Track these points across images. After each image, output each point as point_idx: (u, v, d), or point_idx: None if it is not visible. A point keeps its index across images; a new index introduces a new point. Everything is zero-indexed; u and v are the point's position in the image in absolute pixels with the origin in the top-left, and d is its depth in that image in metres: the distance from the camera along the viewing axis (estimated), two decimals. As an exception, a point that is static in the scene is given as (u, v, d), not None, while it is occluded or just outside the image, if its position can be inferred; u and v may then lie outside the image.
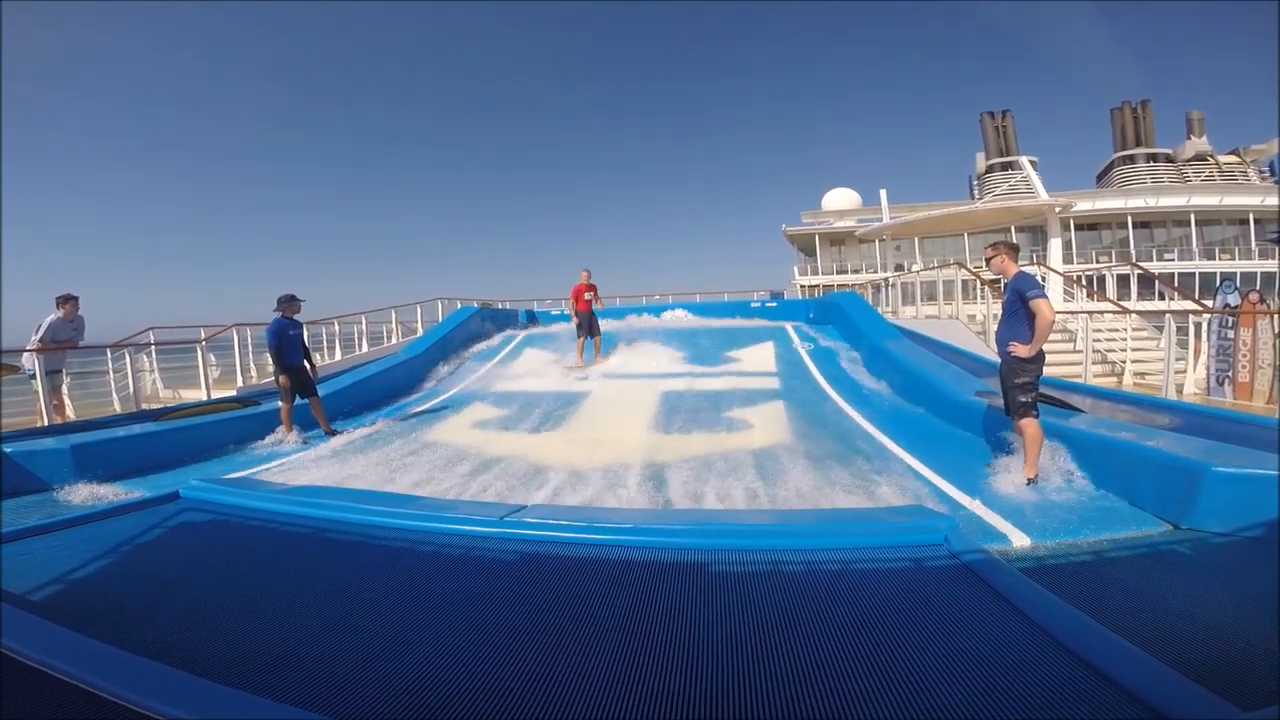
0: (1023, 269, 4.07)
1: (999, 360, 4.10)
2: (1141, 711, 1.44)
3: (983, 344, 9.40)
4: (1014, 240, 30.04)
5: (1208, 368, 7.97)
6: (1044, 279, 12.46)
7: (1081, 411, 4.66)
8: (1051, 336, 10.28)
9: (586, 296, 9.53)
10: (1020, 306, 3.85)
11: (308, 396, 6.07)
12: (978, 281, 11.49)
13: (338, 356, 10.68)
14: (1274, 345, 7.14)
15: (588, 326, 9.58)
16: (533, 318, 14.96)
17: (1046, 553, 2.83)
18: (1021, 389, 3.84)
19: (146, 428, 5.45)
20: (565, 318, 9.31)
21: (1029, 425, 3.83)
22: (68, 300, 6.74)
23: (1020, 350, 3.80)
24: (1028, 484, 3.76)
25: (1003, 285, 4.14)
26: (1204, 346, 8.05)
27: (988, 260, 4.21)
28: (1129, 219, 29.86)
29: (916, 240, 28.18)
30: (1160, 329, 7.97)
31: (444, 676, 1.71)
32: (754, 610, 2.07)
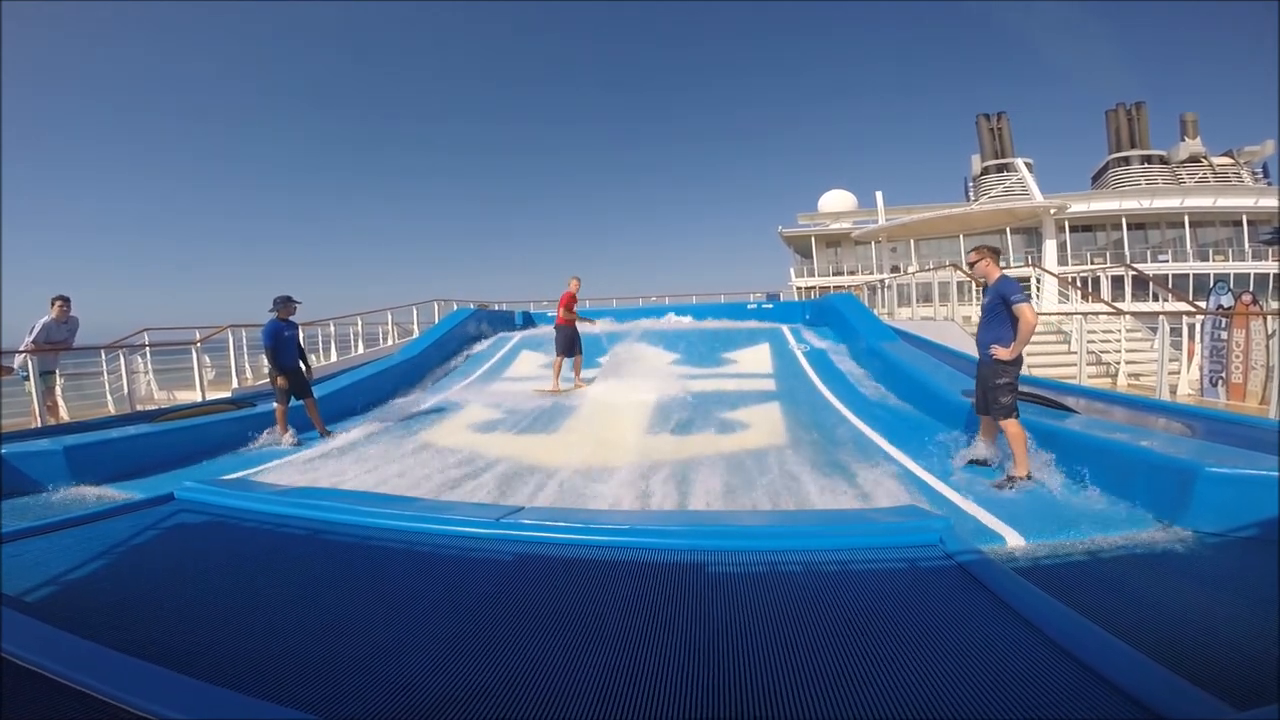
0: (1005, 273, 4.21)
1: (978, 360, 4.23)
2: (1136, 711, 1.45)
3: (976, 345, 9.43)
4: (1009, 241, 30.32)
5: (1201, 369, 8.02)
6: (1039, 280, 12.52)
7: (1076, 413, 4.69)
8: (1046, 338, 10.43)
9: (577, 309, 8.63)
10: (1002, 309, 3.96)
11: (303, 398, 6.06)
12: (973, 283, 11.53)
13: (334, 358, 10.66)
14: (1266, 346, 7.18)
15: (569, 344, 8.42)
16: (529, 319, 14.94)
17: (1041, 553, 2.84)
18: (1003, 390, 3.95)
19: (141, 429, 5.42)
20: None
21: (1011, 425, 3.93)
22: (59, 300, 6.71)
23: (1002, 353, 3.92)
24: (1024, 480, 3.79)
25: (984, 288, 4.30)
26: (1197, 348, 8.10)
27: (971, 265, 4.34)
28: (1123, 220, 30.06)
29: (912, 242, 28.27)
30: (1154, 330, 8.01)
31: (440, 677, 1.70)
32: (749, 611, 2.07)
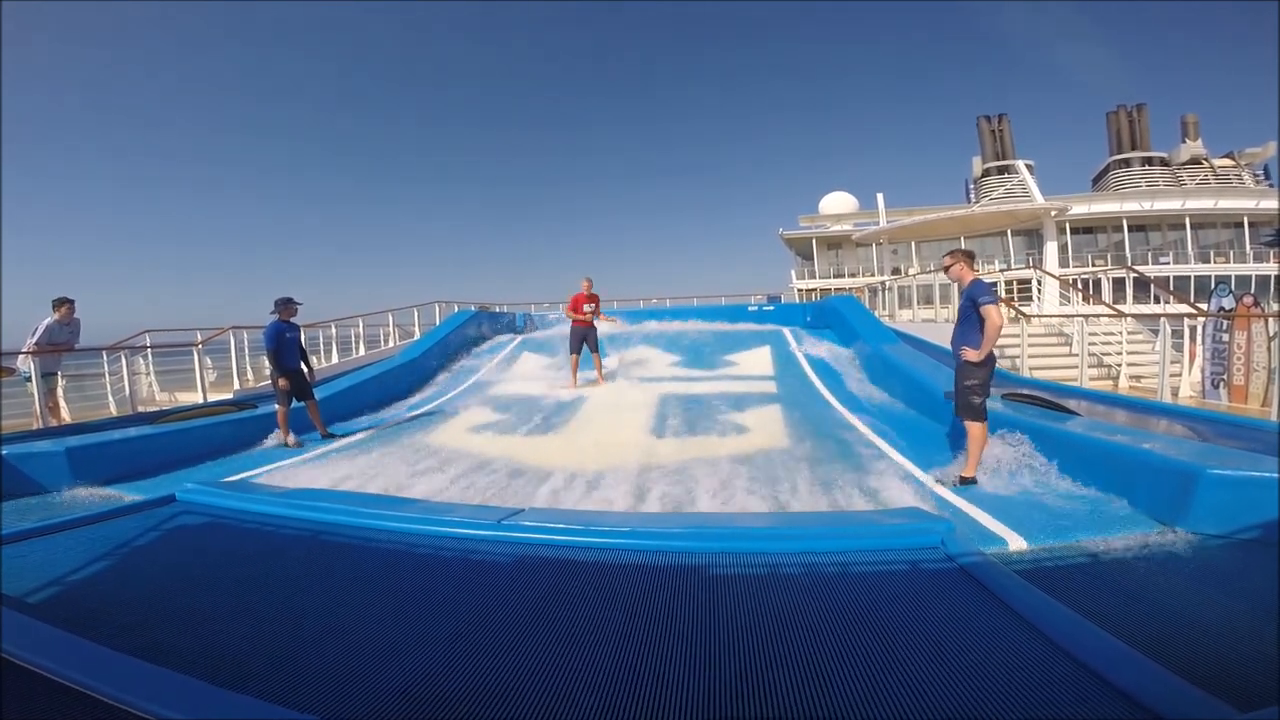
0: (979, 276, 4.19)
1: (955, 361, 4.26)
2: (1138, 713, 1.45)
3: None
4: (1010, 244, 30.30)
5: (1202, 371, 8.01)
6: (1040, 283, 12.51)
7: (1077, 414, 4.68)
8: (1047, 340, 10.39)
9: (586, 309, 8.50)
10: (973, 311, 3.99)
11: (304, 399, 6.06)
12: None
13: (335, 359, 10.67)
14: (1268, 348, 7.17)
15: (582, 342, 8.54)
16: (531, 321, 14.96)
17: (1042, 555, 2.84)
18: (971, 391, 4.00)
19: (142, 430, 5.42)
20: (561, 321, 8.88)
21: (974, 428, 4.01)
22: (63, 303, 6.73)
23: (971, 355, 3.95)
24: (962, 483, 3.93)
25: (959, 291, 4.32)
26: (1199, 350, 8.09)
27: (946, 269, 4.29)
28: (1124, 222, 30.06)
29: (913, 244, 28.25)
30: (1155, 332, 8.00)
31: (440, 679, 1.71)
32: (750, 613, 2.07)
